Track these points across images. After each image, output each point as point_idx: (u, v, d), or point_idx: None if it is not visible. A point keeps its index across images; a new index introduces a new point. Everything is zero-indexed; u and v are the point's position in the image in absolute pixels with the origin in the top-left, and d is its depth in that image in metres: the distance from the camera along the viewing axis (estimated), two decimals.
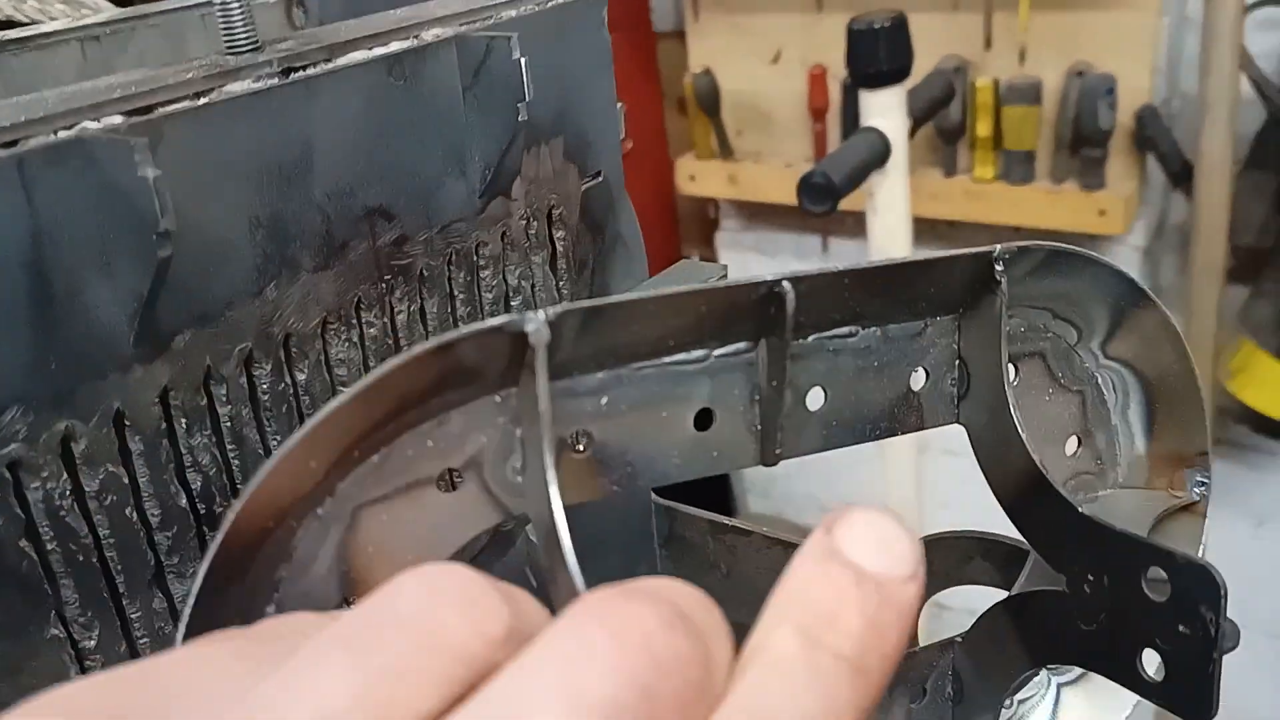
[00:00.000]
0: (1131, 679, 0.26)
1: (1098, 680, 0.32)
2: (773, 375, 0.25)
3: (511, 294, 0.35)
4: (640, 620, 0.14)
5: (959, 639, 0.33)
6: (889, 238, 1.01)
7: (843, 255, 1.40)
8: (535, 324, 0.20)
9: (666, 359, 0.24)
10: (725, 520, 0.43)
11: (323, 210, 0.28)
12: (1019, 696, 0.32)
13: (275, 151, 0.27)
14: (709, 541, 0.44)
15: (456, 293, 0.33)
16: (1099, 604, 0.27)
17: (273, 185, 0.27)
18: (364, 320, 0.30)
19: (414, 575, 0.15)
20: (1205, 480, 0.30)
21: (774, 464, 0.26)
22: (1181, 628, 0.24)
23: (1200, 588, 0.24)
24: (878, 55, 0.92)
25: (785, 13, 1.30)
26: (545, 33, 0.34)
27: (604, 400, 0.24)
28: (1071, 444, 0.31)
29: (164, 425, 0.26)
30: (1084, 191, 1.20)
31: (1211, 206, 1.12)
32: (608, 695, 0.13)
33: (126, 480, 0.26)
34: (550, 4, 0.34)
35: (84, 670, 0.26)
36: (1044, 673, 0.32)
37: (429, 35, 0.31)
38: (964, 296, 0.27)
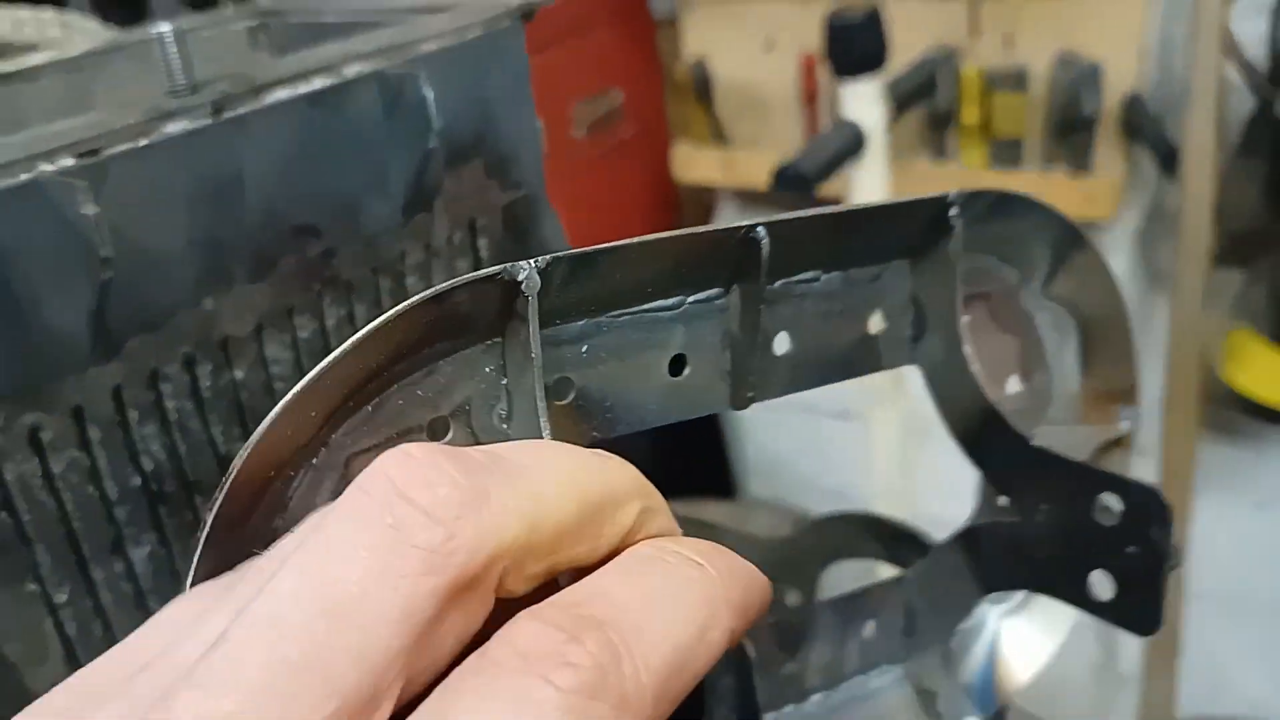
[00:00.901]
0: (1081, 599, 0.28)
1: (1036, 607, 0.34)
2: (745, 320, 0.26)
3: None
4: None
5: (909, 574, 0.34)
6: None
7: None
8: (527, 272, 0.21)
9: (644, 306, 0.25)
10: None
11: (254, 231, 0.33)
12: (960, 626, 0.34)
13: (209, 181, 0.32)
14: None
15: (383, 298, 0.37)
16: (1051, 531, 0.28)
17: (208, 211, 0.32)
18: (296, 324, 0.35)
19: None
20: (1130, 416, 0.31)
21: (744, 407, 0.27)
22: (1131, 549, 0.26)
23: (1150, 510, 0.25)
24: (853, 46, 0.94)
25: (778, 1, 1.33)
26: (462, 64, 0.38)
27: (584, 348, 0.24)
28: (1012, 382, 0.32)
29: (118, 417, 0.31)
30: (1071, 177, 1.22)
31: (1196, 191, 1.13)
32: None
33: (87, 463, 0.31)
34: (469, 38, 0.38)
35: (56, 618, 0.31)
36: (984, 602, 0.34)
37: (350, 71, 0.35)
38: (918, 241, 0.28)
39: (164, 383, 0.32)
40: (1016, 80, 1.19)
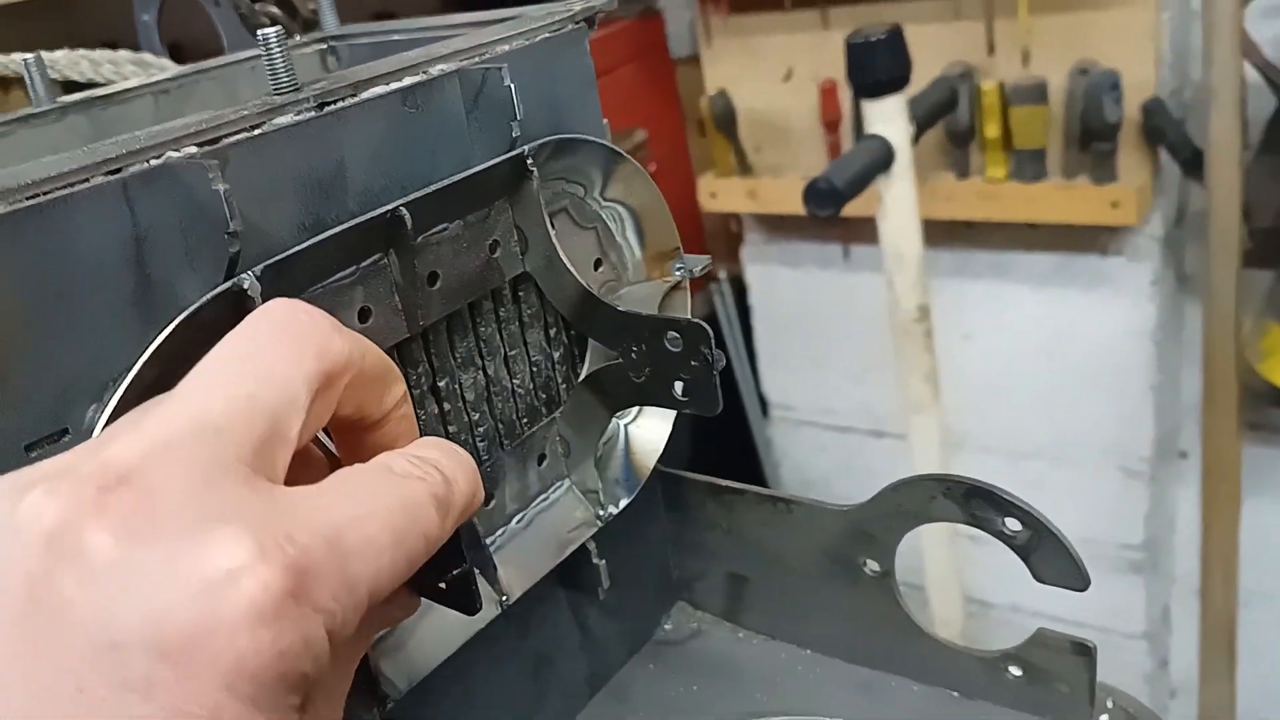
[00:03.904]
0: (669, 402, 0.41)
1: (646, 414, 0.47)
2: (404, 269, 0.36)
3: None
4: None
5: (558, 415, 0.45)
6: (899, 239, 1.05)
7: (864, 261, 1.44)
8: (250, 280, 0.30)
9: (330, 279, 0.34)
10: (721, 482, 0.49)
11: (354, 214, 0.35)
12: (602, 441, 0.46)
13: (315, 169, 0.34)
14: (708, 502, 0.49)
15: None
16: (643, 363, 0.40)
17: (314, 196, 0.34)
18: None
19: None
20: (681, 266, 0.45)
21: (418, 330, 0.37)
22: (692, 363, 0.39)
23: (698, 335, 0.38)
24: (876, 66, 0.97)
25: (794, 32, 1.36)
26: (535, 62, 0.40)
27: None
28: (597, 264, 0.45)
29: None
30: (1096, 185, 1.23)
31: (1223, 191, 1.14)
32: None
33: None
34: (539, 38, 0.41)
35: None
36: (614, 421, 0.46)
37: (435, 70, 0.37)
38: (510, 186, 0.39)
39: None
40: (1037, 93, 1.21)
